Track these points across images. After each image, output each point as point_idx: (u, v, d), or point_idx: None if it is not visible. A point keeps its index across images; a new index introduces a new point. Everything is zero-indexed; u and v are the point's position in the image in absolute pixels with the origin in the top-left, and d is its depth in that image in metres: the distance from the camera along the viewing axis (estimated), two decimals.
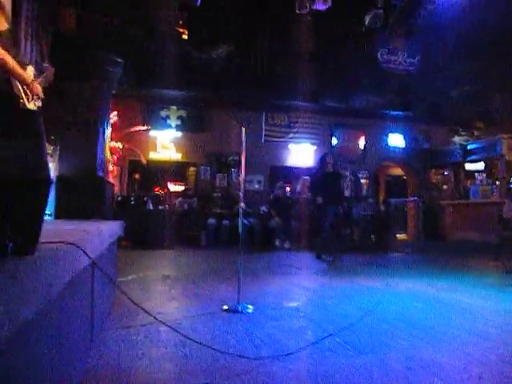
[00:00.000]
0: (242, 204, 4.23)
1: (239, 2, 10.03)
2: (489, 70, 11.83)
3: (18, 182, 0.98)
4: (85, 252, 1.49)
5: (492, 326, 3.25)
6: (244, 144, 4.00)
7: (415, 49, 12.38)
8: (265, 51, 10.73)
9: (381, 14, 8.66)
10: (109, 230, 2.80)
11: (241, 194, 4.23)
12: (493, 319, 3.45)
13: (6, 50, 1.54)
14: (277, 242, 9.75)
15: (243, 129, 3.90)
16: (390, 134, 12.76)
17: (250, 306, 3.60)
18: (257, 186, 11.64)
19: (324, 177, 7.55)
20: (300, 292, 4.59)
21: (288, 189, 11.48)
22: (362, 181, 12.48)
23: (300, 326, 3.14)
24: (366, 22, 8.86)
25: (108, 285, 2.93)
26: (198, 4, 8.16)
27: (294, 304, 3.86)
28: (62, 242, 1.36)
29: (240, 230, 4.38)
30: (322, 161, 7.75)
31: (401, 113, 12.44)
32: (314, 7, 8.38)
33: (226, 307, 3.59)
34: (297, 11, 7.85)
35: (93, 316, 2.26)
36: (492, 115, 12.90)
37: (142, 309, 2.56)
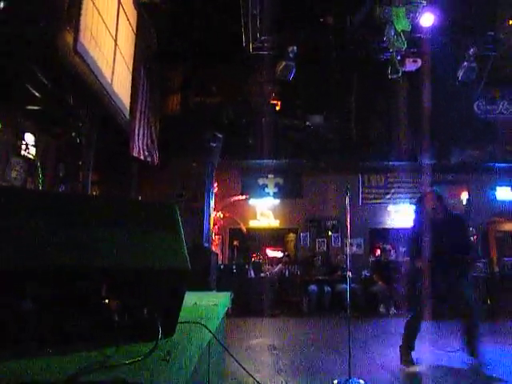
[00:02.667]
0: (349, 273, 4.17)
1: (327, 72, 10.37)
2: None
3: (166, 273, 1.13)
4: (209, 330, 1.60)
5: None
6: (348, 208, 4.04)
7: None
8: (357, 114, 10.87)
9: (474, 67, 8.46)
10: (220, 302, 2.93)
11: (347, 262, 4.20)
12: None
13: None
14: (381, 308, 9.32)
15: (347, 194, 3.95)
16: (497, 188, 11.96)
17: (361, 381, 3.46)
18: (356, 250, 11.38)
19: (430, 225, 4.96)
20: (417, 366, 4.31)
21: (391, 251, 11.07)
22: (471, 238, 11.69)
23: None
24: (460, 77, 8.68)
25: (221, 356, 3.01)
26: (290, 78, 8.60)
27: (408, 380, 3.64)
28: (193, 322, 1.49)
29: (347, 298, 4.29)
30: (419, 203, 5.43)
31: (507, 164, 11.69)
32: (405, 68, 8.43)
33: (336, 382, 3.49)
34: (389, 77, 7.94)
35: None
36: None
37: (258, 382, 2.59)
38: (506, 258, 11.13)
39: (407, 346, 4.41)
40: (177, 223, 1.28)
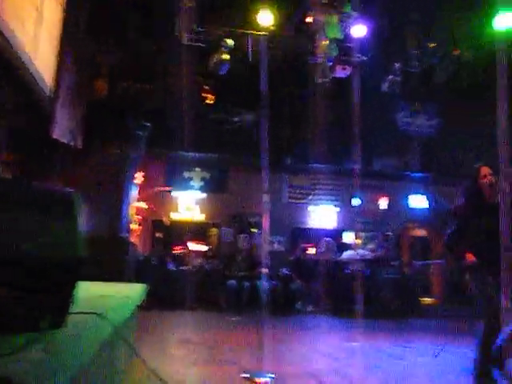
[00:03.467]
0: (265, 270, 4.22)
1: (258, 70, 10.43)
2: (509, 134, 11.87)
3: (53, 262, 1.05)
4: (109, 322, 1.53)
5: None
6: (266, 207, 4.08)
7: (434, 111, 12.58)
8: (287, 116, 11.07)
9: (398, 81, 8.93)
10: (132, 294, 2.84)
11: (264, 258, 4.25)
12: None
13: None
14: (298, 305, 9.57)
15: (265, 195, 3.99)
16: (411, 196, 12.71)
17: (271, 375, 3.52)
18: (278, 247, 11.59)
19: (479, 212, 3.82)
20: (321, 359, 4.47)
21: (312, 250, 11.38)
22: (387, 242, 12.33)
23: None
24: (384, 88, 9.13)
25: (128, 351, 2.92)
26: (224, 73, 8.55)
27: (315, 372, 3.75)
28: (87, 313, 1.41)
29: (263, 294, 4.34)
30: (471, 182, 4.01)
31: (421, 174, 12.46)
32: (335, 75, 8.70)
33: (246, 375, 3.51)
34: (317, 81, 8.16)
35: None
36: None
37: (160, 378, 2.53)
38: (415, 262, 11.86)
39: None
40: (74, 211, 1.20)
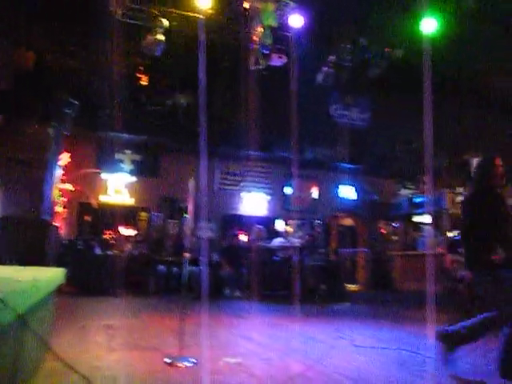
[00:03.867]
0: (187, 254, 4.20)
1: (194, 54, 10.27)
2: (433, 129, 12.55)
3: None
4: (10, 308, 1.45)
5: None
6: (193, 194, 4.04)
7: (366, 105, 13.04)
8: (221, 102, 10.99)
9: (332, 73, 9.14)
10: (46, 278, 2.71)
11: (186, 243, 4.23)
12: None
13: None
14: (227, 291, 9.65)
15: (191, 180, 3.96)
16: (341, 186, 13.16)
17: (193, 359, 3.52)
18: (209, 234, 11.58)
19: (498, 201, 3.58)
20: (245, 344, 4.54)
21: (244, 237, 11.47)
22: (317, 230, 12.70)
23: (241, 381, 3.08)
24: (318, 80, 9.31)
25: (36, 341, 2.79)
26: (158, 54, 8.31)
27: (237, 357, 3.80)
28: None
29: (184, 279, 4.33)
30: (485, 168, 3.73)
31: (351, 165, 12.91)
32: (270, 63, 8.74)
33: (168, 360, 3.49)
34: (251, 67, 8.16)
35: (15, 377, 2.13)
36: (436, 171, 13.59)
37: (72, 368, 2.46)
38: (341, 249, 12.31)
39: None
40: None
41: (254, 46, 7.98)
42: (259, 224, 10.72)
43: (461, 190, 12.77)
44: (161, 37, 8.14)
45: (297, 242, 10.17)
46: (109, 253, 9.24)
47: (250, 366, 3.48)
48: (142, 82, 10.89)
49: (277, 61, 8.42)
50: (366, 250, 12.40)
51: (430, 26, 8.22)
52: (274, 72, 9.83)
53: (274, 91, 10.82)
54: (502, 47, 9.65)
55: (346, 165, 12.99)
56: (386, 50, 9.01)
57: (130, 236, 10.74)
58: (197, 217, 11.50)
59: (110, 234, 10.75)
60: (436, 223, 13.32)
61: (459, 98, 12.14)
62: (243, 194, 12.13)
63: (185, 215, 11.02)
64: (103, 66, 9.91)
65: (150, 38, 8.10)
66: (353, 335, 5.18)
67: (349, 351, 4.29)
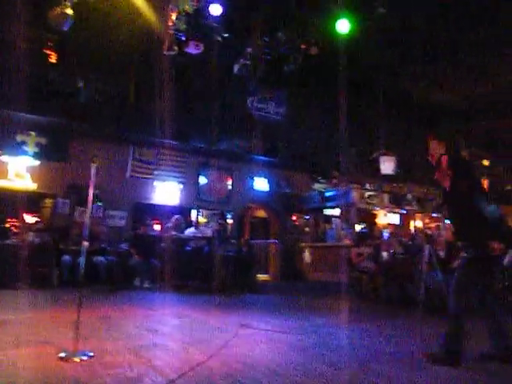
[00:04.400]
0: (86, 243, 4.04)
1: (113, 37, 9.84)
2: (342, 127, 13.13)
3: None
4: None
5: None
6: (93, 179, 3.89)
7: (283, 99, 13.29)
8: (136, 87, 10.65)
9: (248, 65, 9.19)
10: None
11: (85, 232, 4.07)
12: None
13: None
14: (136, 282, 9.42)
15: (93, 165, 3.79)
16: (255, 178, 13.32)
17: (89, 353, 3.39)
18: (119, 222, 11.21)
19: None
20: (148, 335, 4.45)
21: (156, 227, 11.24)
22: (228, 221, 12.77)
23: (139, 373, 3.01)
24: (235, 71, 9.33)
25: None
26: (66, 29, 7.80)
27: (138, 349, 3.72)
28: None
29: (81, 268, 4.15)
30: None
31: (266, 158, 13.11)
32: (187, 50, 8.59)
33: (63, 355, 3.33)
34: (164, 53, 7.97)
35: None
36: (346, 166, 14.23)
37: None
38: (253, 240, 12.50)
39: None
40: None
41: (169, 31, 7.79)
42: (173, 213, 10.56)
43: (368, 185, 13.51)
44: (69, 11, 7.64)
45: (209, 232, 10.16)
46: (7, 242, 8.61)
47: (151, 358, 3.42)
48: (50, 60, 10.22)
49: (193, 49, 8.30)
50: (277, 241, 12.69)
51: (343, 26, 8.53)
52: (192, 60, 9.71)
53: (191, 80, 10.69)
54: (410, 52, 10.27)
55: (260, 157, 13.17)
56: (303, 46, 9.22)
57: (32, 224, 10.07)
58: (107, 204, 11.13)
59: (10, 222, 10.01)
60: (345, 216, 13.98)
61: (371, 99, 12.79)
62: (157, 183, 11.85)
63: (98, 203, 10.64)
64: (5, 39, 9.18)
65: (57, 10, 7.58)
66: (259, 324, 5.29)
67: (253, 340, 4.37)
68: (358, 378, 3.20)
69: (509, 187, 18.20)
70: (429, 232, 9.30)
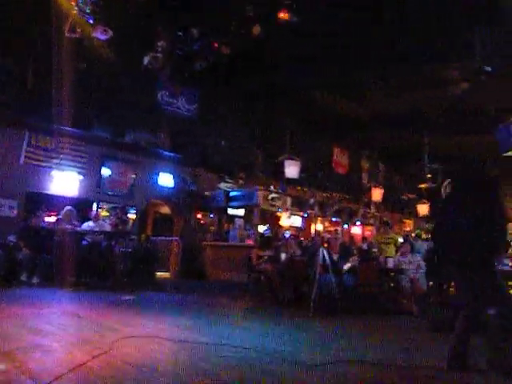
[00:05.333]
0: None
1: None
2: (251, 129, 13.37)
3: None
4: None
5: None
6: None
7: (194, 96, 13.14)
8: (34, 69, 9.91)
9: (159, 58, 8.97)
10: None
11: None
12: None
13: None
14: (23, 277, 8.76)
15: None
16: (161, 173, 13.03)
17: None
18: (9, 212, 10.34)
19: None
20: (29, 336, 4.15)
21: (50, 218, 10.50)
22: (130, 216, 12.36)
23: (8, 379, 2.78)
24: (145, 63, 9.06)
25: None
26: None
27: (14, 351, 3.44)
28: None
29: None
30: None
31: (173, 154, 12.90)
32: (94, 35, 8.19)
33: None
34: (66, 34, 7.52)
35: None
36: (252, 168, 14.47)
37: None
38: (155, 237, 12.24)
39: None
40: None
41: (72, 12, 7.36)
42: (71, 205, 9.96)
43: (273, 187, 13.85)
44: None
45: (107, 226, 9.75)
46: None
47: (27, 361, 3.18)
48: None
49: (101, 34, 7.92)
50: (179, 238, 12.51)
51: (256, 30, 8.67)
52: (101, 47, 9.26)
53: (97, 67, 10.18)
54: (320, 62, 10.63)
55: (167, 153, 12.94)
56: (215, 45, 9.21)
57: None
58: None
59: None
60: (248, 217, 14.20)
61: (281, 105, 13.09)
62: (55, 172, 11.07)
63: None
64: None
65: None
66: (152, 324, 5.17)
67: (143, 340, 4.25)
68: (246, 376, 3.24)
69: (404, 197, 19.69)
70: (325, 235, 9.74)
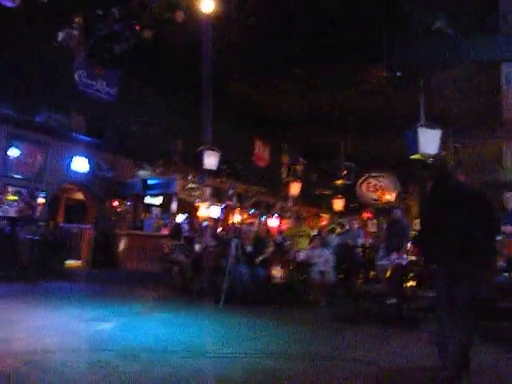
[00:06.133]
0: None
1: None
2: (171, 118, 13.15)
3: None
4: None
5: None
6: None
7: (115, 79, 12.59)
8: None
9: (74, 35, 8.48)
10: None
11: None
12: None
13: None
14: None
15: None
16: (75, 157, 12.38)
17: None
18: None
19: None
20: None
21: None
22: (39, 201, 11.65)
23: None
24: (59, 39, 8.52)
25: None
26: None
27: None
28: None
29: None
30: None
31: (89, 138, 12.32)
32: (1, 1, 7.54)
33: None
34: None
35: None
36: (172, 157, 14.23)
37: None
38: (65, 224, 11.68)
39: None
40: None
41: None
42: None
43: (191, 177, 13.72)
44: None
45: (12, 211, 9.15)
46: None
47: None
48: None
49: (7, 1, 7.25)
50: (91, 226, 12.01)
51: (179, 16, 8.49)
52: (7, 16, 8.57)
53: (4, 37, 9.44)
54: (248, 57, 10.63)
55: (83, 136, 12.34)
56: (136, 27, 8.88)
57: None
58: None
59: None
60: (165, 206, 13.98)
61: (204, 95, 12.89)
62: None
63: None
64: None
65: None
66: (56, 314, 4.96)
67: (44, 331, 4.06)
68: (147, 367, 3.21)
69: (318, 192, 20.38)
70: (239, 226, 9.81)
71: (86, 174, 12.65)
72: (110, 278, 10.31)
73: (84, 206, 13.87)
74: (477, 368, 3.56)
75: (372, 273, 9.11)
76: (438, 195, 3.78)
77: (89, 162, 12.64)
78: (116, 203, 13.85)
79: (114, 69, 12.26)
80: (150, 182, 13.44)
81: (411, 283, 6.67)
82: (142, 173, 14.11)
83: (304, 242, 8.87)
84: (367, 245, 10.94)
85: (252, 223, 12.49)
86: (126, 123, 13.13)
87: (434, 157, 9.11)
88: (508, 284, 5.70)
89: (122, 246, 12.63)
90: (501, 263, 5.82)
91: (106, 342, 3.91)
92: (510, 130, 11.88)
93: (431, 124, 8.79)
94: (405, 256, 7.83)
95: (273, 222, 17.50)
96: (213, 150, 11.84)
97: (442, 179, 3.88)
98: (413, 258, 7.72)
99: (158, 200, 14.23)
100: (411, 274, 6.71)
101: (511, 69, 8.60)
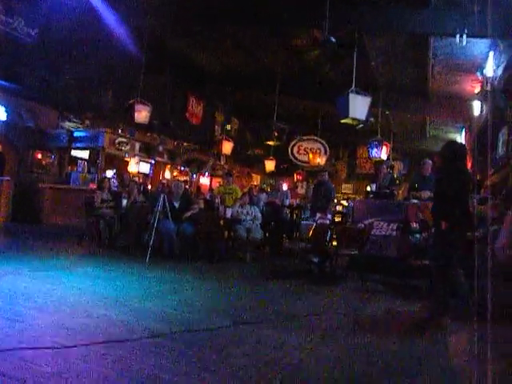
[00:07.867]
0: None
1: None
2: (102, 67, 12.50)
3: None
4: None
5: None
6: None
7: (36, 20, 11.60)
8: None
9: None
10: None
11: None
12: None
13: None
14: None
15: None
16: None
17: None
18: None
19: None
20: None
21: None
22: None
23: None
24: None
25: None
26: None
27: None
28: None
29: None
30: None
31: (5, 83, 11.41)
32: None
33: None
34: None
35: None
36: (102, 109, 13.60)
37: None
38: None
39: None
40: None
41: None
42: None
43: (121, 131, 13.27)
44: None
45: None
46: None
47: None
48: None
49: None
50: (8, 178, 11.29)
51: None
52: None
53: None
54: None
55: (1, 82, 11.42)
56: None
57: None
58: None
59: None
60: (93, 160, 13.47)
61: (136, 47, 12.29)
62: None
63: None
64: None
65: None
66: None
67: None
68: (72, 320, 3.17)
69: (251, 152, 20.53)
70: (168, 183, 9.71)
71: (3, 123, 11.80)
72: (32, 232, 9.88)
73: (2, 158, 13.01)
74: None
75: (297, 232, 9.45)
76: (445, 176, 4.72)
77: (6, 111, 11.77)
78: (40, 155, 13.12)
79: (34, 6, 11.29)
80: (76, 134, 12.83)
81: (333, 242, 7.01)
82: (68, 124, 13.40)
83: (232, 201, 8.97)
84: (294, 205, 11.29)
85: (181, 180, 12.40)
86: (50, 69, 12.24)
87: (363, 122, 9.46)
88: (420, 244, 6.17)
89: (45, 199, 12.07)
90: (415, 225, 6.40)
91: (23, 295, 3.80)
92: (433, 102, 12.56)
93: (361, 91, 9.07)
94: (329, 216, 8.20)
95: (204, 180, 17.49)
96: (144, 103, 11.48)
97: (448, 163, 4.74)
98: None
99: (86, 153, 13.67)
100: (334, 234, 7.04)
101: (438, 43, 8.97)
